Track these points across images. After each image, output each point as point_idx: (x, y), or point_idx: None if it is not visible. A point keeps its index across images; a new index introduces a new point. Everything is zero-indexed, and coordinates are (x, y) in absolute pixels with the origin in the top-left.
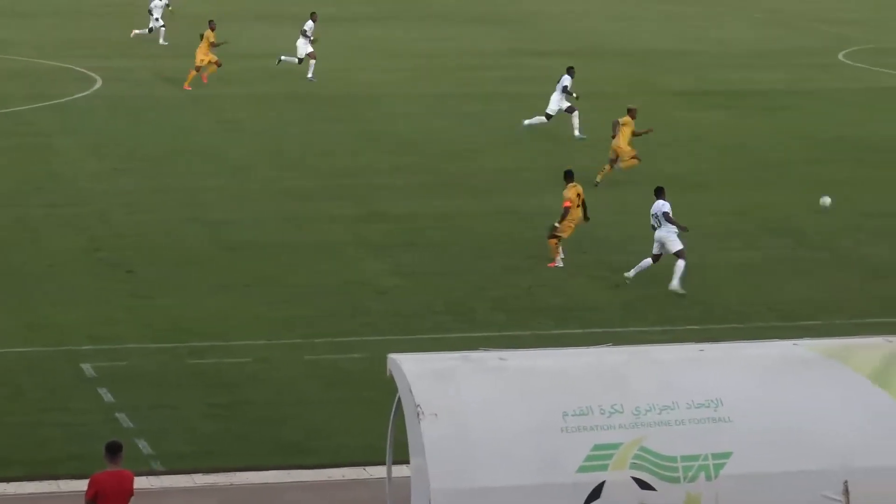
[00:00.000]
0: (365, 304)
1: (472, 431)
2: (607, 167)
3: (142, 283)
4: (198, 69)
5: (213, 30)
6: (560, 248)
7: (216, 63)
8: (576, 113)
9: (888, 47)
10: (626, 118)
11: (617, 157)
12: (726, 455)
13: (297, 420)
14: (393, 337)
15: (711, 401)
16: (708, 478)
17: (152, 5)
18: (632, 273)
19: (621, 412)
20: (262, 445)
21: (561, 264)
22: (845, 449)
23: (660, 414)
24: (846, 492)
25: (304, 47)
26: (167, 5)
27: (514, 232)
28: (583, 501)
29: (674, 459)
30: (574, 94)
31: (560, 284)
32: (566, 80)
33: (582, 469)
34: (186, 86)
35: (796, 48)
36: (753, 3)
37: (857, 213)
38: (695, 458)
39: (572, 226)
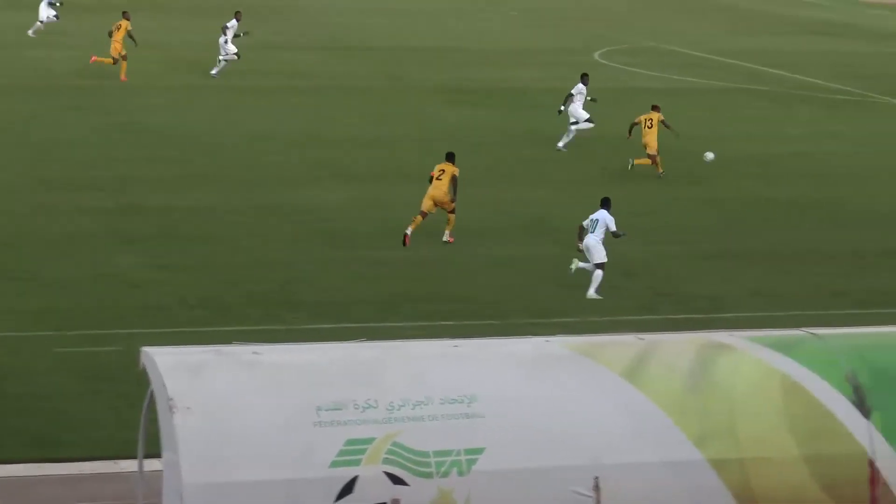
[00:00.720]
0: (118, 297)
1: (225, 425)
2: (647, 161)
3: None
4: (123, 58)
5: (128, 20)
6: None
7: (123, 56)
8: (580, 126)
9: (642, 47)
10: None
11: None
12: (479, 451)
13: (49, 413)
14: (146, 330)
15: (465, 396)
16: (460, 473)
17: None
18: (573, 267)
19: (375, 407)
20: (13, 438)
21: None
22: (596, 445)
23: (413, 409)
24: (596, 487)
25: (229, 46)
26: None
27: (268, 226)
28: (335, 496)
29: (426, 454)
30: (592, 98)
31: (314, 279)
32: (581, 89)
33: (335, 464)
34: (123, 77)
35: (553, 47)
36: (510, 1)
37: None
38: (447, 453)
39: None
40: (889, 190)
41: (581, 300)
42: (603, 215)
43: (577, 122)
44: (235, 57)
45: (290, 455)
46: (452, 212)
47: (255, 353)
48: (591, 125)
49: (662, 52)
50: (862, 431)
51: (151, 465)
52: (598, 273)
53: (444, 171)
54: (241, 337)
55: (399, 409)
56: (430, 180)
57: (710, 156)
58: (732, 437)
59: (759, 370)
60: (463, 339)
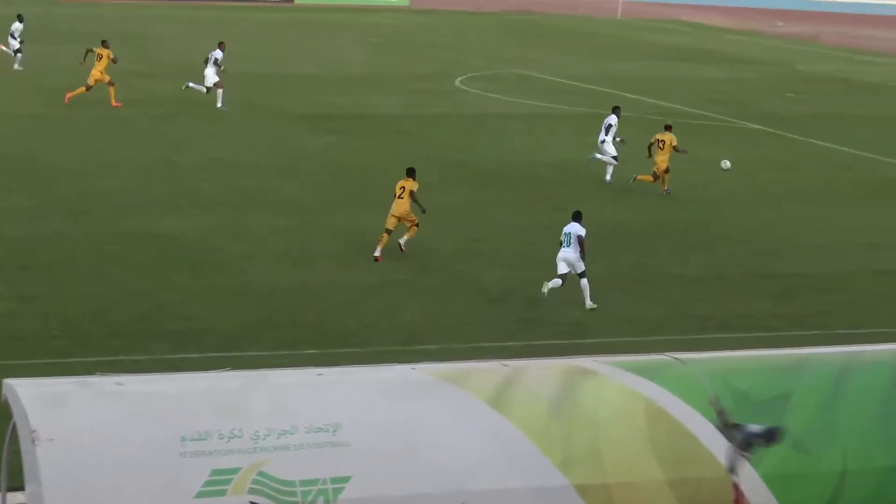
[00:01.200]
0: None
1: (89, 457)
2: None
3: None
4: (110, 83)
5: (107, 48)
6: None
7: (109, 82)
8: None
9: (503, 73)
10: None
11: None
12: (345, 479)
13: None
14: (7, 362)
15: (330, 425)
16: (327, 501)
17: (13, 28)
18: (546, 289)
19: (240, 437)
20: None
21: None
22: (462, 472)
23: (279, 438)
24: None
25: (212, 77)
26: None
27: (130, 255)
28: None
29: (293, 484)
30: (621, 140)
31: (178, 308)
32: (613, 120)
33: (200, 494)
34: (114, 103)
35: (414, 73)
36: (370, 28)
37: (471, 237)
38: (314, 482)
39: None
40: (749, 213)
41: (443, 326)
42: (575, 228)
43: (603, 154)
44: (204, 90)
45: (155, 486)
46: (416, 225)
47: (118, 383)
48: (614, 162)
49: (523, 78)
50: (725, 455)
51: (15, 498)
52: (584, 282)
53: (403, 188)
54: (104, 367)
55: (264, 439)
56: (394, 197)
57: (726, 164)
58: (597, 462)
59: (623, 395)
60: (327, 367)
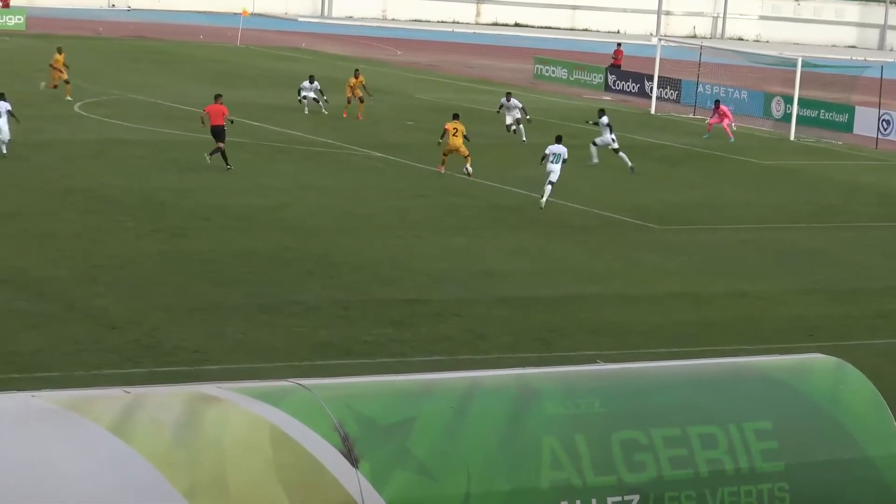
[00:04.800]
0: None
1: None
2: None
3: None
4: (66, 82)
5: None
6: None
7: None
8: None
9: (121, 99)
10: None
11: None
12: None
13: None
14: None
15: None
16: None
17: None
18: (544, 202)
19: None
20: None
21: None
22: (88, 501)
23: None
24: None
25: None
26: None
27: None
28: None
29: None
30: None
31: None
32: (605, 119)
33: None
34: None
35: (31, 99)
36: None
37: (91, 264)
38: None
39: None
40: (368, 241)
41: (64, 354)
42: (560, 149)
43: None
44: None
45: None
46: (468, 156)
47: None
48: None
49: (143, 105)
50: (351, 480)
51: None
52: (551, 189)
53: (456, 128)
54: None
55: None
56: (444, 133)
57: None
58: (222, 489)
59: (248, 421)
60: None
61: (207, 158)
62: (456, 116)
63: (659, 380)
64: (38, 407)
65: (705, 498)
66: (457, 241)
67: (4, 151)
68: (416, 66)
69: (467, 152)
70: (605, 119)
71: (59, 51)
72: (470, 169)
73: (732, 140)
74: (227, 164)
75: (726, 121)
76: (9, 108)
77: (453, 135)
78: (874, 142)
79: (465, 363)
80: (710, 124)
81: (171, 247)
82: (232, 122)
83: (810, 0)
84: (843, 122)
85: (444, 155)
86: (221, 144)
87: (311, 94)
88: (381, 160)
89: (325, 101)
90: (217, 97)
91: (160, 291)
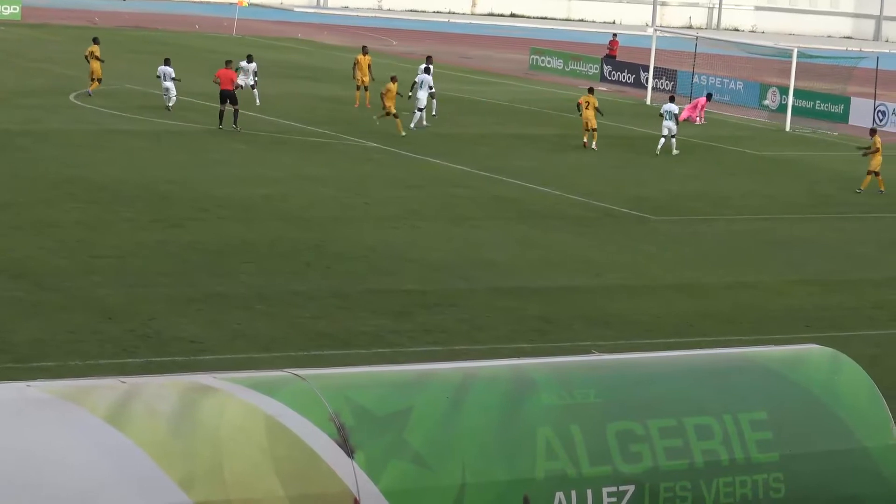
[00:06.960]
0: None
1: None
2: None
3: None
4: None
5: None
6: None
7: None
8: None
9: (118, 89)
10: None
11: None
12: None
13: None
14: None
15: None
16: None
17: None
18: (413, 125)
19: None
20: None
21: None
22: (83, 492)
23: None
24: None
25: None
26: None
27: None
28: None
29: None
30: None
31: None
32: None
33: None
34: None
35: (27, 89)
36: None
37: (89, 254)
38: None
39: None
40: (366, 231)
41: (60, 344)
42: (426, 77)
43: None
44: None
45: None
46: (595, 129)
47: None
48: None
49: (140, 95)
50: (346, 470)
51: None
52: (418, 113)
53: (588, 102)
54: None
55: None
56: (578, 107)
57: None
58: (219, 479)
59: (244, 411)
60: None
61: (237, 128)
62: (591, 91)
63: (654, 370)
64: (34, 397)
65: (700, 488)
66: (455, 232)
67: (170, 106)
68: (412, 56)
69: (595, 125)
70: (671, 107)
71: (95, 41)
72: (595, 146)
73: (699, 123)
74: (236, 125)
75: (696, 111)
76: (172, 74)
77: (586, 108)
78: (869, 132)
79: (461, 353)
80: (685, 117)
81: (170, 237)
82: (240, 87)
83: None
84: (838, 113)
85: (585, 131)
86: (236, 106)
87: (250, 81)
88: (378, 150)
89: (256, 81)
90: (228, 63)
91: (158, 281)
